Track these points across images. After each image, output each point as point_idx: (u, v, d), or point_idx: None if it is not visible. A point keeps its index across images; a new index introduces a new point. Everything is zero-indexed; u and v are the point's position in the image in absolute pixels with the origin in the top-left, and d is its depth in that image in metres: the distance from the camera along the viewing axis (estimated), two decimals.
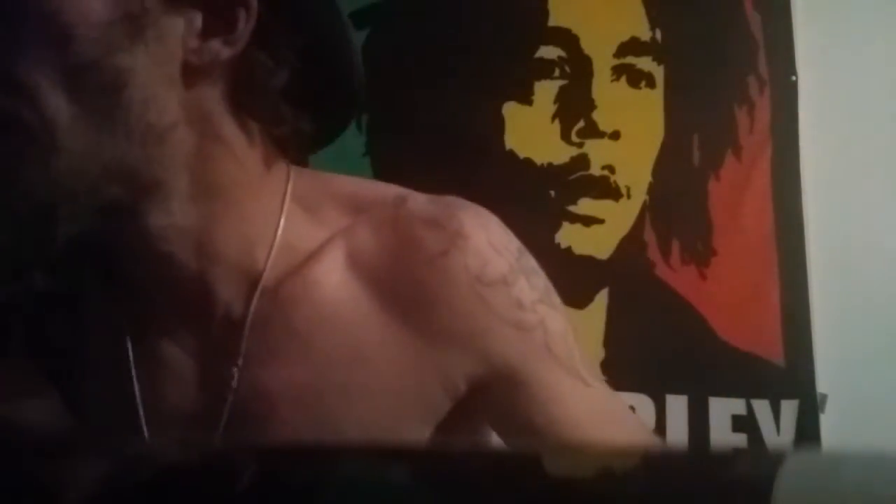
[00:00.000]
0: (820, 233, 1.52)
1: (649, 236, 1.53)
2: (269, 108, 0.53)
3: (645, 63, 1.55)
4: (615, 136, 1.53)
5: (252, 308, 0.54)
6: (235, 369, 0.54)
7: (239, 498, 0.28)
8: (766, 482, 0.30)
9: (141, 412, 0.55)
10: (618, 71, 1.55)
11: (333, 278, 0.55)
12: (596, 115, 1.54)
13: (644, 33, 1.56)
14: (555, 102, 1.54)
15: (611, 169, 1.53)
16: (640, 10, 1.56)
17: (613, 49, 1.55)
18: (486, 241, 0.56)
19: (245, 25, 0.50)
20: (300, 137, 0.55)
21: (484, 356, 0.55)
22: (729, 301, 1.50)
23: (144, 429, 0.55)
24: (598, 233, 1.52)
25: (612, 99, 1.54)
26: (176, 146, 0.50)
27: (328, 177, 0.60)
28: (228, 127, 0.52)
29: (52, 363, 0.56)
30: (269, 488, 0.28)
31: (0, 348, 0.56)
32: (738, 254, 1.51)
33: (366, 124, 1.54)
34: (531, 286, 0.57)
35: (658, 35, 1.56)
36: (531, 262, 0.59)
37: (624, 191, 1.53)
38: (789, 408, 1.47)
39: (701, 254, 1.51)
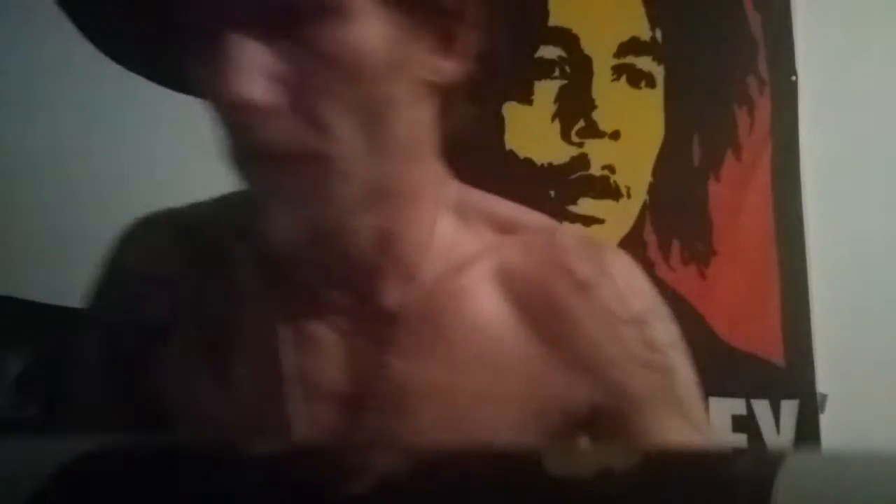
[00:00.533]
0: (820, 233, 1.52)
1: (649, 236, 1.52)
2: (467, 115, 0.57)
3: (645, 63, 1.55)
4: (615, 135, 1.53)
5: (406, 303, 0.58)
6: (389, 358, 0.57)
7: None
8: (766, 482, 0.30)
9: (288, 390, 0.58)
10: (618, 71, 1.54)
11: (481, 288, 0.59)
12: (596, 115, 1.53)
13: (644, 33, 1.56)
14: (555, 102, 1.54)
15: (611, 169, 1.53)
16: (640, 10, 1.56)
17: (613, 49, 1.55)
18: (627, 282, 0.60)
19: (474, 45, 0.53)
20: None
21: (608, 386, 0.58)
22: (729, 301, 1.50)
23: (289, 407, 0.58)
24: (598, 233, 1.51)
25: (612, 99, 1.54)
26: (405, 158, 0.54)
27: (479, 193, 0.64)
28: (430, 136, 0.57)
29: (208, 340, 0.60)
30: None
31: (171, 327, 0.61)
32: (738, 254, 1.51)
33: None
34: (664, 330, 0.61)
35: (658, 35, 1.56)
36: (666, 311, 0.62)
37: (624, 191, 1.53)
38: (789, 408, 1.47)
39: (701, 254, 1.51)
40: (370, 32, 0.48)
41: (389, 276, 0.58)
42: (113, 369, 0.62)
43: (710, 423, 0.65)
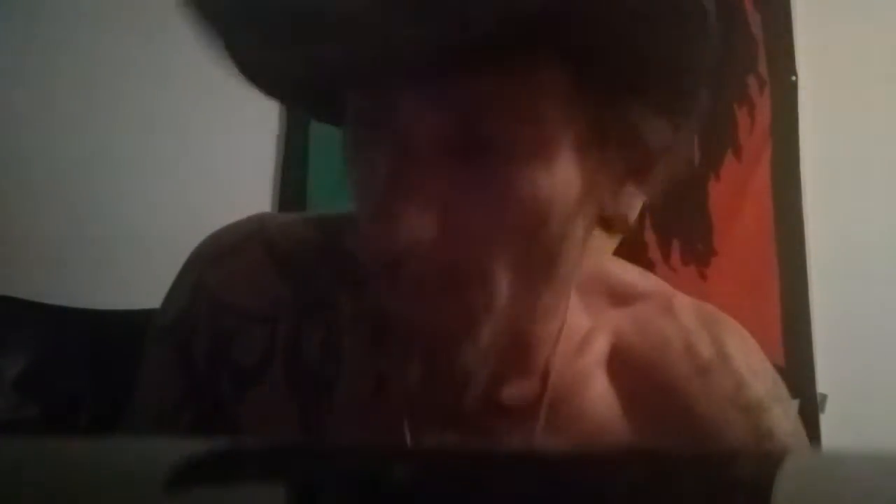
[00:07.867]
0: (820, 233, 1.52)
1: (649, 236, 1.52)
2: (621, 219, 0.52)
3: None
4: None
5: (524, 397, 0.53)
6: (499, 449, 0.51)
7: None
8: (766, 482, 0.30)
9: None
10: None
11: (596, 372, 0.54)
12: None
13: None
14: None
15: None
16: None
17: None
18: (746, 363, 0.55)
19: (659, 168, 0.48)
20: None
21: None
22: (729, 301, 1.50)
23: None
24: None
25: None
26: (556, 292, 0.49)
27: (596, 259, 0.58)
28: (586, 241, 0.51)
29: (302, 391, 0.54)
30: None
31: (263, 370, 0.55)
32: (738, 254, 1.51)
33: None
34: (785, 416, 0.55)
35: None
36: (785, 390, 0.57)
37: None
38: None
39: (701, 254, 1.51)
40: (564, 180, 0.42)
41: (512, 377, 0.52)
42: (194, 408, 0.55)
43: None
